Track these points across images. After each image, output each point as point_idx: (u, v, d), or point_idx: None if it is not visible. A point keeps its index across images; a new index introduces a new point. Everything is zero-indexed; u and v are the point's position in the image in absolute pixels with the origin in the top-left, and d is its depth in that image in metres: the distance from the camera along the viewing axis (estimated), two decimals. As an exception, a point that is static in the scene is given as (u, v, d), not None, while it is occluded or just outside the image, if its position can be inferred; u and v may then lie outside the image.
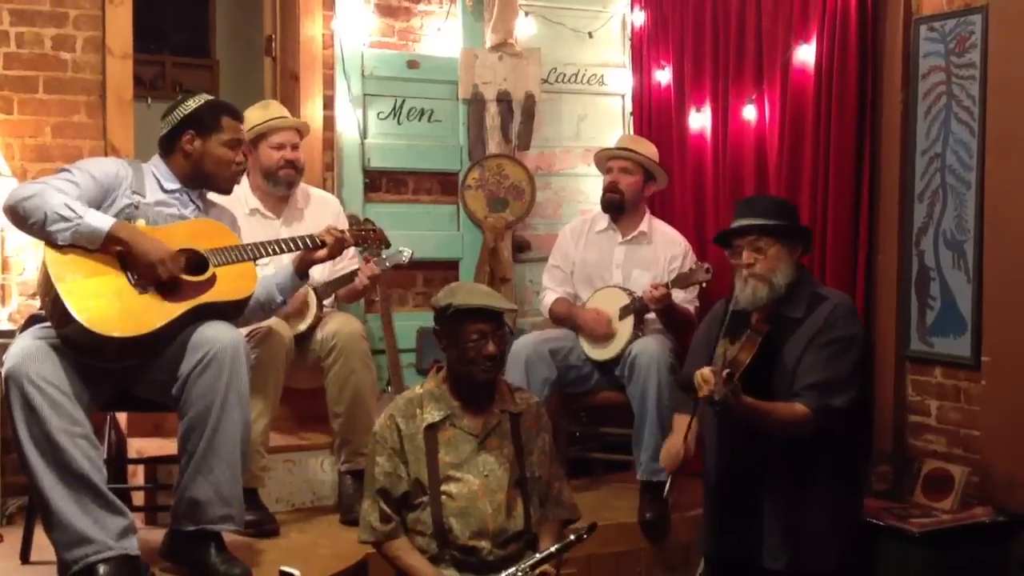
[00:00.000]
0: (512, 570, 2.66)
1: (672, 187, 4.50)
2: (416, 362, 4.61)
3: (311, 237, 3.30)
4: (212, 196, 3.28)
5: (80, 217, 2.81)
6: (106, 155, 4.03)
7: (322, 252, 3.30)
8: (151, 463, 3.66)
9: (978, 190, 3.55)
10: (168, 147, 3.17)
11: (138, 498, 3.66)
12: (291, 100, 4.51)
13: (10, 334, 3.34)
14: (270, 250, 3.19)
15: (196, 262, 3.00)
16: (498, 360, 2.81)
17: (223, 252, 3.04)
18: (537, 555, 2.70)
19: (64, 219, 2.80)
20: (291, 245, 3.26)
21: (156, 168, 3.16)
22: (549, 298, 4.27)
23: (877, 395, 3.82)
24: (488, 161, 4.73)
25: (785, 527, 2.96)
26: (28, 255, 3.99)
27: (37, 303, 3.20)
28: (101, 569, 2.75)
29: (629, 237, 4.22)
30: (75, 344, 2.80)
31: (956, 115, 3.63)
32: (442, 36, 4.76)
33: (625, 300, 3.99)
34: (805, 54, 4.01)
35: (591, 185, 4.81)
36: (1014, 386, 3.40)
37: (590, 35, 5.02)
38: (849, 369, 2.93)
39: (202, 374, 2.89)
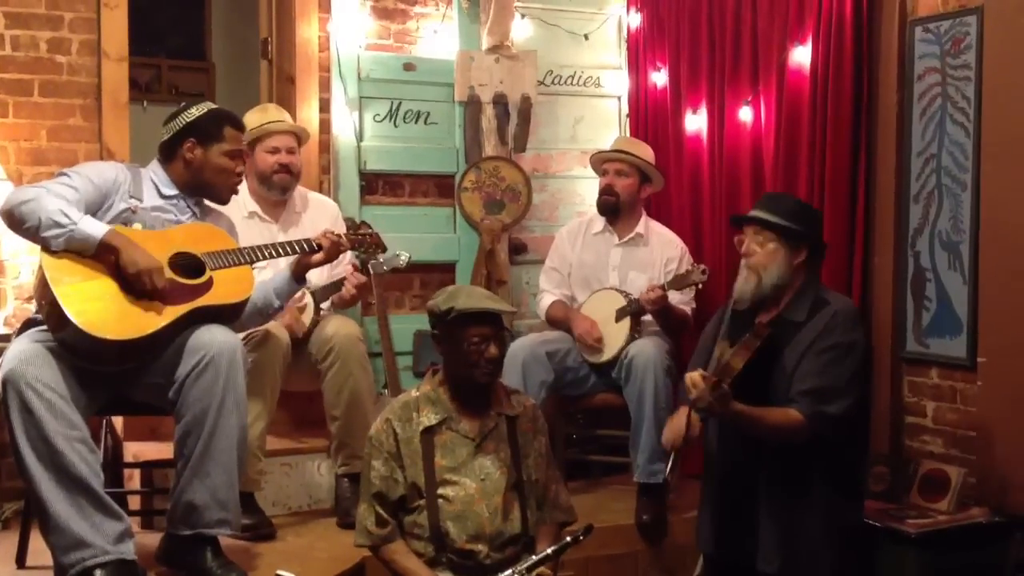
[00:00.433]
0: (509, 573, 2.65)
1: (668, 189, 4.50)
2: (412, 365, 4.61)
3: (308, 241, 3.30)
4: (209, 203, 3.27)
5: (74, 224, 2.81)
6: (102, 158, 4.03)
7: (318, 256, 3.31)
8: (147, 467, 3.66)
9: (974, 191, 3.55)
10: (168, 154, 3.16)
11: (134, 502, 3.66)
12: (287, 103, 4.50)
13: (6, 338, 3.33)
14: (267, 254, 3.19)
15: (193, 266, 2.99)
16: (499, 363, 2.81)
17: (220, 256, 3.04)
18: (534, 557, 2.70)
19: (58, 225, 2.79)
20: (288, 249, 3.26)
21: (155, 174, 3.16)
22: (546, 301, 4.26)
23: (873, 397, 3.81)
24: (484, 163, 4.73)
25: (781, 532, 2.95)
26: (24, 259, 3.98)
27: (33, 307, 3.19)
28: (98, 573, 2.74)
29: (625, 239, 4.21)
30: (72, 347, 2.79)
31: (951, 116, 3.63)
32: (438, 38, 4.75)
33: (621, 302, 3.99)
34: (801, 56, 4.01)
35: (587, 187, 4.80)
36: (1010, 387, 3.40)
37: (586, 37, 5.02)
38: (847, 376, 2.90)
39: (199, 378, 2.89)
